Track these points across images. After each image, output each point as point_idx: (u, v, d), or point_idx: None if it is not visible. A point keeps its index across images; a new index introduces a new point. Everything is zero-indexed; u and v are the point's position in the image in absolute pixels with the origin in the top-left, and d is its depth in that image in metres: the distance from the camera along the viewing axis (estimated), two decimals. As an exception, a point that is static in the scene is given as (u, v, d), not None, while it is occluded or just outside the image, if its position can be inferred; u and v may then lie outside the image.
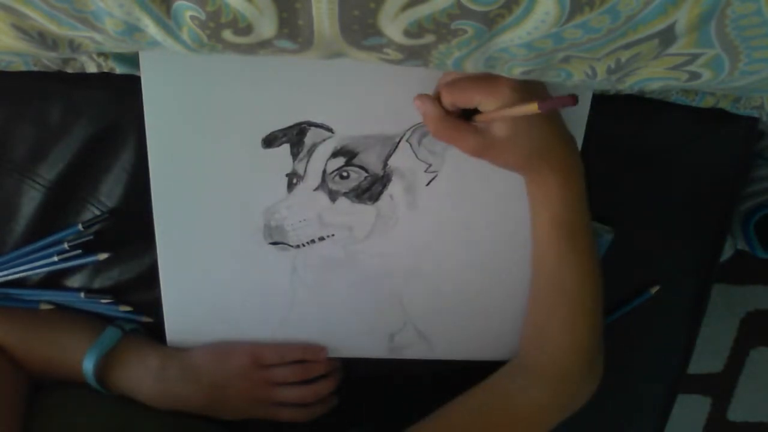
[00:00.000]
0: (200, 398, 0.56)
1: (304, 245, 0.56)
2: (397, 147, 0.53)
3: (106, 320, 0.57)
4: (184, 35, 0.38)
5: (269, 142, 0.52)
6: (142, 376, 0.55)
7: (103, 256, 0.55)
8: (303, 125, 0.52)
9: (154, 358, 0.56)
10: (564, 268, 0.52)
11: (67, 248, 0.54)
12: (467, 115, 0.48)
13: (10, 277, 0.56)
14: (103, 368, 0.54)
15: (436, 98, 0.48)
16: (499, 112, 0.45)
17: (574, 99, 0.40)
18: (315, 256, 0.56)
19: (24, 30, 0.38)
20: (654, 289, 0.63)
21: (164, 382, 0.55)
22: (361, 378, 0.64)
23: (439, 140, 0.49)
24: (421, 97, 0.49)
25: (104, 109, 0.51)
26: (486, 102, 0.45)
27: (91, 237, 0.55)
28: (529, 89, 0.45)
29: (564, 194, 0.49)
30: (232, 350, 0.58)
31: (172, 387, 0.55)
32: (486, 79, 0.45)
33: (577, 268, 0.51)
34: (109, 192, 0.54)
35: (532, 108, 0.42)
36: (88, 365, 0.53)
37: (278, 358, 0.59)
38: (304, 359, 0.60)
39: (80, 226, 0.54)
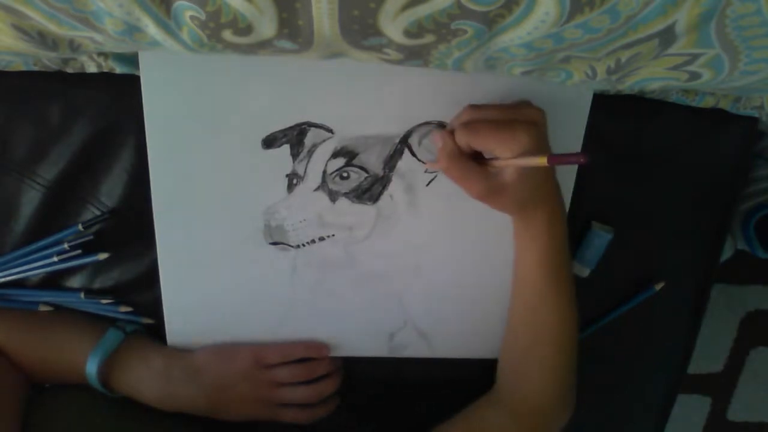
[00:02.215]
0: (203, 399, 0.56)
1: (304, 245, 0.56)
2: (397, 147, 0.53)
3: (106, 321, 0.57)
4: (184, 35, 0.38)
5: (269, 142, 0.52)
6: (145, 378, 0.55)
7: (103, 255, 0.55)
8: (303, 126, 0.52)
9: (158, 360, 0.56)
10: (545, 308, 0.53)
11: (67, 248, 0.54)
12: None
13: (10, 278, 0.56)
14: (105, 371, 0.54)
15: (451, 134, 0.48)
16: (512, 161, 0.46)
17: (583, 156, 0.41)
18: (315, 257, 0.56)
19: (24, 30, 0.38)
20: (659, 286, 0.63)
21: (168, 383, 0.55)
22: (362, 378, 0.64)
23: (450, 178, 0.49)
24: (442, 133, 0.49)
25: (104, 109, 0.51)
26: (503, 150, 0.45)
27: (91, 237, 0.55)
28: (538, 136, 0.46)
29: (551, 236, 0.51)
30: (235, 351, 0.58)
31: (176, 388, 0.55)
32: (504, 127, 0.45)
33: (558, 307, 0.53)
34: (109, 192, 0.54)
35: (542, 161, 0.43)
36: (92, 368, 0.53)
37: (281, 357, 0.59)
38: (307, 357, 0.60)
39: (80, 226, 0.54)
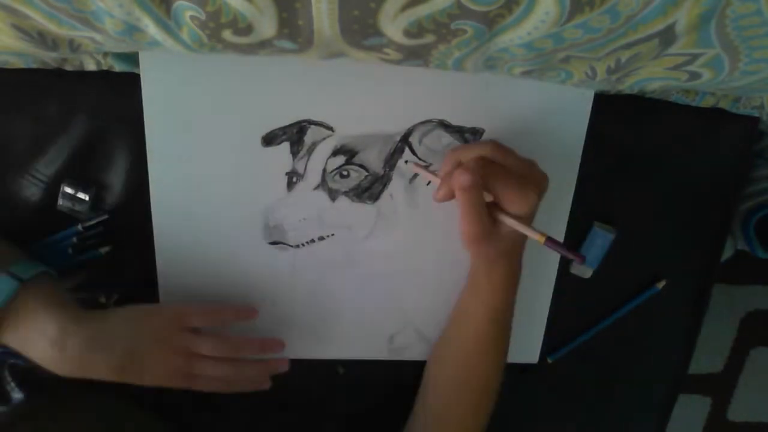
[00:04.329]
0: (110, 366, 0.49)
1: (303, 245, 0.56)
2: (397, 146, 0.53)
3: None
4: (184, 35, 0.38)
5: (269, 140, 0.52)
6: (36, 342, 0.48)
7: (104, 248, 0.54)
8: (303, 123, 0.52)
9: (52, 325, 0.48)
10: (485, 361, 0.56)
11: (71, 253, 0.54)
12: None
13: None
14: None
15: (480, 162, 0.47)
16: (510, 221, 0.47)
17: (580, 258, 0.46)
18: (314, 257, 0.56)
19: (24, 30, 0.38)
20: (661, 284, 0.63)
21: (63, 350, 0.48)
22: (361, 380, 0.63)
23: (460, 206, 0.47)
24: (476, 159, 0.47)
25: (103, 107, 0.51)
26: (510, 205, 0.47)
27: (92, 233, 0.54)
28: (539, 202, 0.48)
29: (510, 293, 0.54)
30: (153, 311, 0.53)
31: (74, 355, 0.48)
32: (521, 183, 0.46)
33: (495, 362, 0.56)
34: (108, 190, 0.54)
35: (540, 239, 0.46)
36: None
37: (205, 319, 0.54)
38: (238, 318, 0.56)
39: (80, 227, 0.54)
